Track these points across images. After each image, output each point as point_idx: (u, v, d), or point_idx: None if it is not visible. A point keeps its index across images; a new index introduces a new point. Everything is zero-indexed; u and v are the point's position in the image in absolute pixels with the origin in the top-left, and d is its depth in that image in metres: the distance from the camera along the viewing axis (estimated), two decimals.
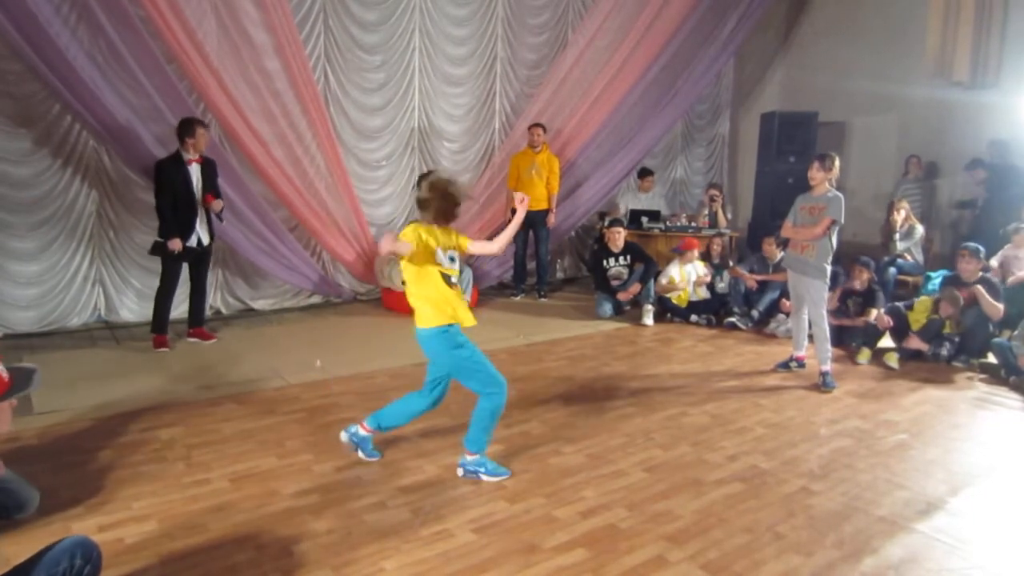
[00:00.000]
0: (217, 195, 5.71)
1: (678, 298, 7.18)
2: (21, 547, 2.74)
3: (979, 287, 5.83)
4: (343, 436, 3.76)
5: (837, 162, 5.16)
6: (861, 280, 6.34)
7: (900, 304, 6.25)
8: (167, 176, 5.46)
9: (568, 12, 8.76)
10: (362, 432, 3.72)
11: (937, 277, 6.63)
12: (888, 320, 5.99)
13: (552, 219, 7.91)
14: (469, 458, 3.57)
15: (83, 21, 5.69)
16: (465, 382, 3.49)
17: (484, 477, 3.54)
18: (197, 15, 6.07)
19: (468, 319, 3.47)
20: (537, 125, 7.75)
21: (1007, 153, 7.59)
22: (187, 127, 5.48)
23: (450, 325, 3.42)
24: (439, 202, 3.38)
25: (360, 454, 3.73)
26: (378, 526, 3.06)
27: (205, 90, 6.09)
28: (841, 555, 2.95)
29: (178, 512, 3.14)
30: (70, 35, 5.50)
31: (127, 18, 5.65)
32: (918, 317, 6.01)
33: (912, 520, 3.27)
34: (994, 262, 6.59)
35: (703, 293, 7.24)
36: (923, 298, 6.22)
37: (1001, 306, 5.79)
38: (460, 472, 3.58)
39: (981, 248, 6.09)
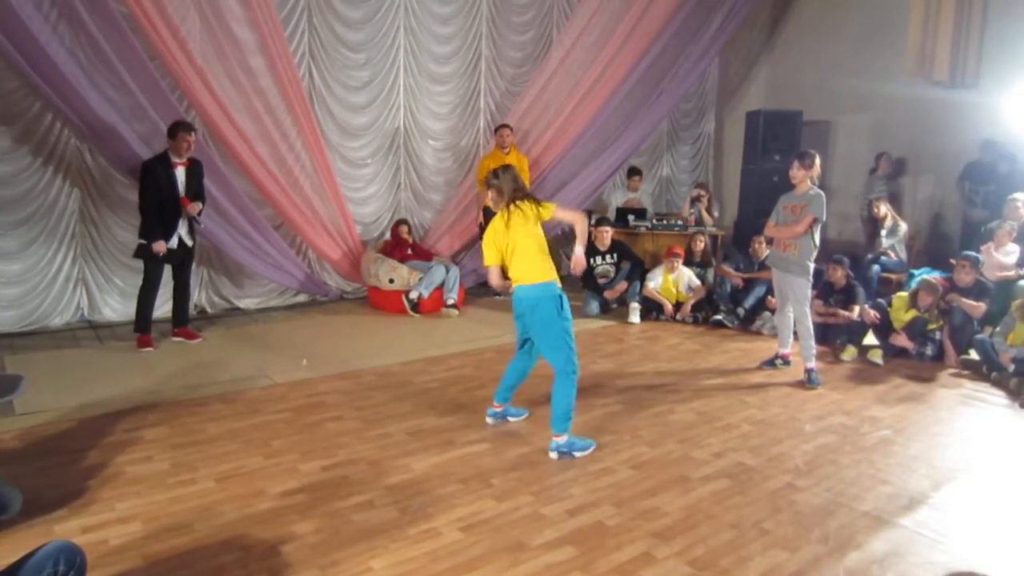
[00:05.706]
0: (199, 197, 5.66)
1: (667, 293, 7.21)
2: (3, 549, 2.72)
3: (957, 295, 5.94)
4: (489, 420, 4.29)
5: (817, 160, 5.19)
6: (836, 278, 6.38)
7: (882, 300, 6.31)
8: (153, 176, 5.40)
9: (553, 11, 8.76)
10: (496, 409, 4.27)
11: (921, 274, 6.68)
12: (874, 314, 6.04)
13: None
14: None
15: (64, 17, 5.62)
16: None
17: (576, 455, 3.85)
18: (180, 12, 6.03)
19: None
20: (505, 126, 7.76)
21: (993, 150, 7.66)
22: (170, 130, 5.47)
23: None
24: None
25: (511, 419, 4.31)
26: (365, 525, 3.05)
27: (189, 87, 6.05)
28: (826, 550, 2.98)
29: (163, 513, 3.11)
30: (51, 31, 5.44)
31: (109, 14, 5.59)
32: (897, 314, 6.07)
33: (896, 515, 3.30)
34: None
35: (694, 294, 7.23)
36: (900, 294, 6.28)
37: (983, 304, 5.86)
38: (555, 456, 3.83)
39: (981, 258, 6.18)
